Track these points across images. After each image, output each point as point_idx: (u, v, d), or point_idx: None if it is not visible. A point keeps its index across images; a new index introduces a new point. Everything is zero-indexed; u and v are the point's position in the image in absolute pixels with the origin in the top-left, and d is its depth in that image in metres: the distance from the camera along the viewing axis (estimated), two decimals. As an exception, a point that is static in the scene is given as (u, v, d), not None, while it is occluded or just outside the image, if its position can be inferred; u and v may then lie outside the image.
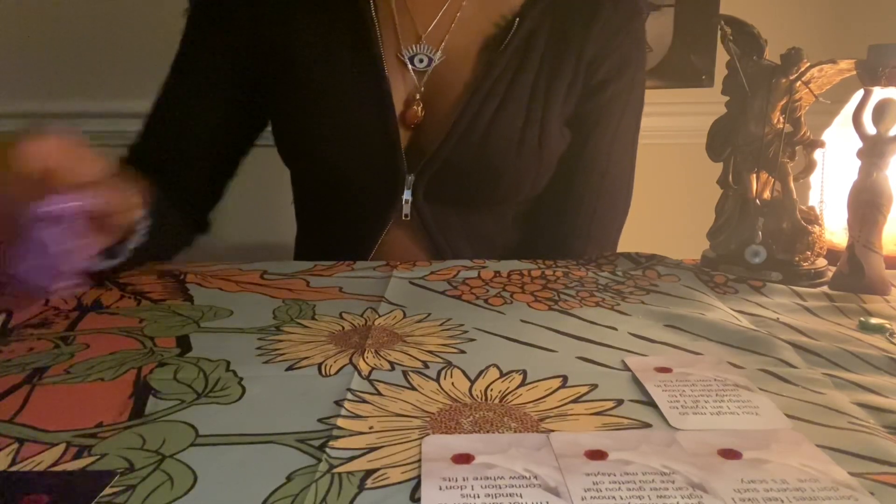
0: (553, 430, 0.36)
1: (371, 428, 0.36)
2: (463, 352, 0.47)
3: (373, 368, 0.44)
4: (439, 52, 0.75)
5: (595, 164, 0.81)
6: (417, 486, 0.31)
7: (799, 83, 0.62)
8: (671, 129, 1.37)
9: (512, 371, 0.43)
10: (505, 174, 0.76)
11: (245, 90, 0.78)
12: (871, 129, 0.58)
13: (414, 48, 0.75)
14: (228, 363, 0.45)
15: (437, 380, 0.42)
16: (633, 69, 0.80)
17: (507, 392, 0.41)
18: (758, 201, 0.64)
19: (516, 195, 0.79)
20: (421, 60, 0.75)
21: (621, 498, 0.30)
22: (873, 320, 0.52)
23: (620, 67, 0.79)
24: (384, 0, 0.76)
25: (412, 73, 0.76)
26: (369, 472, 0.32)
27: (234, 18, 0.76)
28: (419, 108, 0.75)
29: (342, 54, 0.74)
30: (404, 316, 0.54)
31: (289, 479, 0.32)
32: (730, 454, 0.34)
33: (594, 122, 0.80)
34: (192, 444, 0.35)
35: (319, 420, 0.37)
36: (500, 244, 0.81)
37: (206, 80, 0.77)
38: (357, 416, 0.38)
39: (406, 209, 0.76)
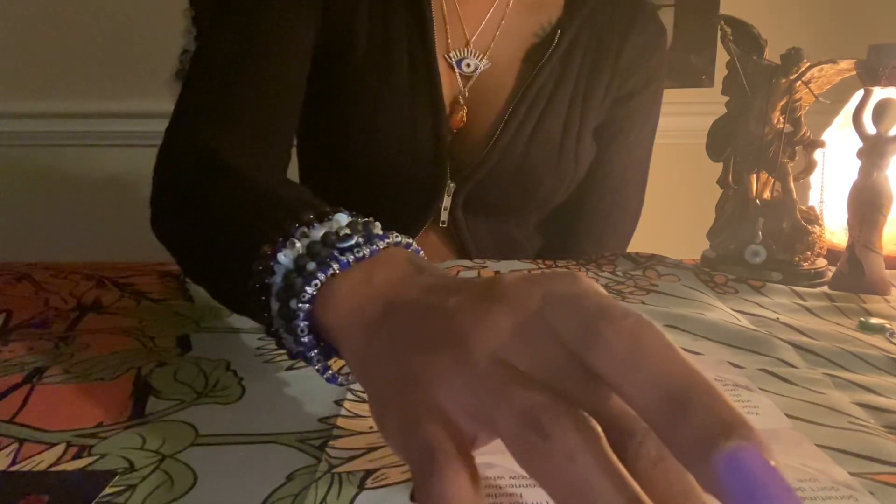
0: (553, 430, 0.36)
1: (371, 428, 0.36)
2: (463, 352, 0.47)
3: (373, 368, 0.44)
4: (485, 58, 0.75)
5: (612, 171, 0.82)
6: (417, 486, 0.31)
7: (799, 83, 0.62)
8: (671, 129, 1.37)
9: (512, 371, 0.43)
10: (543, 184, 0.76)
11: (311, 57, 0.71)
12: (871, 129, 0.58)
13: (462, 52, 0.75)
14: (228, 363, 0.45)
15: (437, 380, 0.42)
16: (657, 83, 0.82)
17: (507, 392, 0.40)
18: (758, 201, 0.64)
19: (550, 204, 0.80)
20: (468, 65, 0.75)
21: (621, 498, 0.30)
22: (873, 320, 0.52)
23: (647, 81, 0.81)
24: (437, 1, 0.75)
25: (458, 77, 0.75)
26: (369, 472, 0.32)
27: None
28: (463, 113, 0.74)
29: (398, 47, 0.73)
30: (404, 316, 0.54)
31: (289, 478, 0.32)
32: (730, 454, 0.33)
33: (616, 131, 0.81)
34: (192, 444, 0.35)
35: (319, 420, 0.37)
36: (525, 250, 0.82)
37: (285, 36, 0.67)
38: (357, 416, 0.38)
39: (444, 216, 0.76)
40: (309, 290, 0.32)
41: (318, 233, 0.34)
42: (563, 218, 0.83)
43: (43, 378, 0.43)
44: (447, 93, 0.74)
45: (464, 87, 0.75)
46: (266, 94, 0.64)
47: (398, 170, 0.74)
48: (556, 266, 0.68)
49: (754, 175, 0.64)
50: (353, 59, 0.72)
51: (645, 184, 0.86)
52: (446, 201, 0.75)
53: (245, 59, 0.63)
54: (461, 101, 0.75)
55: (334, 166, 0.78)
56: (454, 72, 0.75)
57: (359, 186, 0.76)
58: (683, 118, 1.33)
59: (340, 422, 0.37)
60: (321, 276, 0.32)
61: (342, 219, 0.35)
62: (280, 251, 0.34)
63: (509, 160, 0.74)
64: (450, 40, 0.75)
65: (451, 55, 0.75)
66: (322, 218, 0.35)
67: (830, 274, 0.62)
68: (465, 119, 0.74)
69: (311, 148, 0.80)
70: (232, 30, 0.65)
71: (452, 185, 0.75)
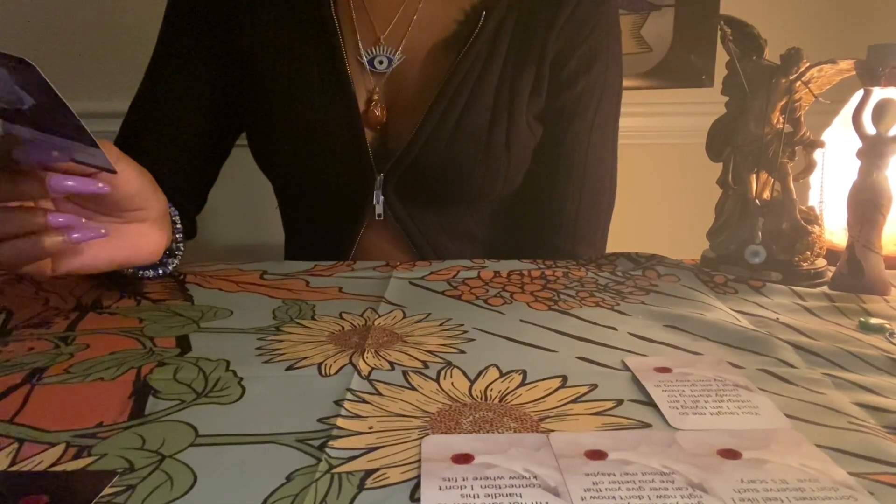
0: (553, 430, 0.36)
1: (371, 428, 0.36)
2: (463, 352, 0.47)
3: (373, 368, 0.44)
4: (399, 52, 0.75)
5: (575, 159, 0.80)
6: (417, 486, 0.31)
7: (799, 83, 0.62)
8: (671, 129, 1.37)
9: (512, 371, 0.43)
10: (474, 173, 0.75)
11: (221, 92, 0.78)
12: (870, 129, 0.58)
13: (373, 50, 0.76)
14: (228, 363, 0.45)
15: (437, 380, 0.42)
16: (603, 61, 0.78)
17: (506, 392, 0.41)
18: (758, 201, 0.64)
19: (489, 192, 0.78)
20: (381, 62, 0.75)
21: (621, 498, 0.30)
22: (873, 320, 0.52)
23: (590, 60, 0.77)
24: (344, 2, 0.76)
25: (371, 76, 0.76)
26: (369, 472, 0.32)
27: (207, 20, 0.76)
28: (379, 109, 0.75)
29: (305, 55, 0.75)
30: (404, 316, 0.54)
31: (289, 479, 0.32)
32: (729, 454, 0.34)
33: (569, 117, 0.78)
34: (192, 444, 0.35)
35: (319, 420, 0.37)
36: (482, 240, 0.81)
37: (183, 83, 0.77)
38: (357, 416, 0.38)
39: (378, 209, 0.76)
40: None
41: None
42: (532, 209, 0.81)
43: (43, 378, 0.43)
44: (364, 91, 0.76)
45: (376, 85, 0.76)
46: (161, 138, 0.76)
47: (322, 172, 0.76)
48: (556, 266, 0.68)
49: (754, 175, 0.64)
50: (263, 73, 0.75)
51: (614, 167, 0.83)
52: (376, 195, 0.75)
53: (144, 102, 0.78)
54: (375, 99, 0.75)
55: (277, 174, 0.82)
56: (367, 71, 0.76)
57: (300, 190, 0.81)
58: (683, 118, 1.33)
59: (340, 422, 0.37)
60: None
61: None
62: None
63: (434, 151, 0.74)
64: (361, 41, 0.76)
65: (363, 54, 0.76)
66: None
67: (830, 274, 0.62)
68: (382, 115, 0.75)
69: (256, 159, 0.82)
70: (147, 78, 0.78)
71: (381, 178, 0.75)
